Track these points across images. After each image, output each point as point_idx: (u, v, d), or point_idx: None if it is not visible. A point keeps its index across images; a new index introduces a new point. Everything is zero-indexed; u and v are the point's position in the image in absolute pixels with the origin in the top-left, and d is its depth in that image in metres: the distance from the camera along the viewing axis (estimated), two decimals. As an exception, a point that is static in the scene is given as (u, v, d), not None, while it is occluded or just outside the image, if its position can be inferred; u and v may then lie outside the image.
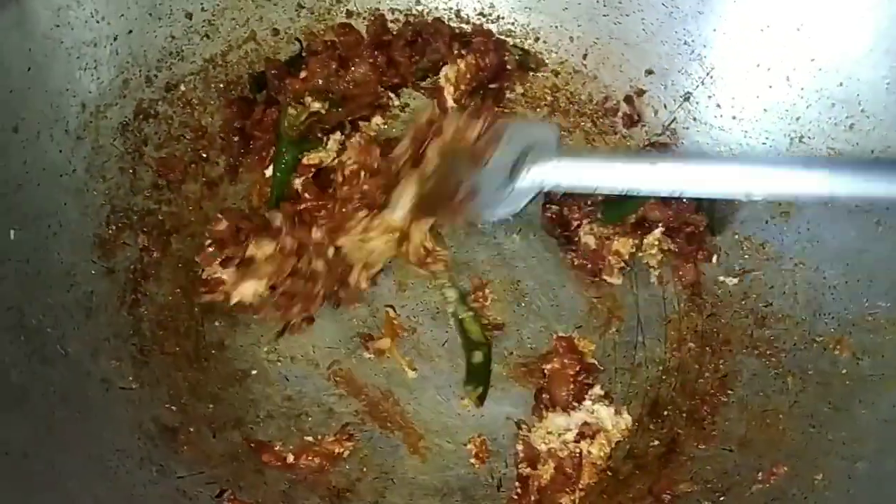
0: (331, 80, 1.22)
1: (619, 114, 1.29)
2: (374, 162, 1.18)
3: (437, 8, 1.32)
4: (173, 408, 1.10)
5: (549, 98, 1.33)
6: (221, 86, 1.25)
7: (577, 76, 1.31)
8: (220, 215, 1.18)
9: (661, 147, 1.27)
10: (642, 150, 1.28)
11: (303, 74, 1.23)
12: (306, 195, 1.19)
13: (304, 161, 1.22)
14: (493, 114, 1.19)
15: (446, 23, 1.31)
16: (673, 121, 1.26)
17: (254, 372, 1.16)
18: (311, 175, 1.21)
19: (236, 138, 1.24)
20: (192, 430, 1.09)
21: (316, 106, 1.20)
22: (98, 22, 1.11)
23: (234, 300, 1.15)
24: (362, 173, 1.18)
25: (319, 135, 1.23)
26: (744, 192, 1.06)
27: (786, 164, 1.08)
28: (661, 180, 1.08)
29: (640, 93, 1.28)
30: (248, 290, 1.14)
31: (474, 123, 1.16)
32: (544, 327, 1.20)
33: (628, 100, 1.29)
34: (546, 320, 1.21)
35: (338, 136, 1.25)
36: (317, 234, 1.16)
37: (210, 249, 1.16)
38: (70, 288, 1.07)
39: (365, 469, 1.11)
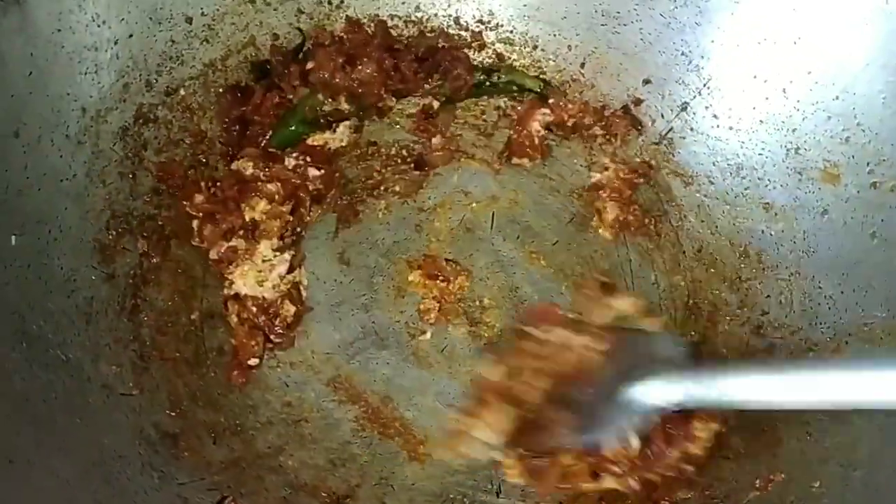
0: (336, 75, 1.23)
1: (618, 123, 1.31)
2: None
3: (436, 15, 1.33)
4: (173, 414, 1.10)
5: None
6: (221, 90, 1.25)
7: (574, 85, 1.32)
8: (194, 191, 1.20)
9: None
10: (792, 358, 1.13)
11: (310, 65, 1.24)
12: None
13: (309, 141, 1.25)
14: (603, 328, 1.06)
15: (462, 51, 1.33)
16: (670, 130, 1.28)
17: (253, 378, 1.16)
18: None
19: (236, 128, 1.25)
20: (192, 436, 1.09)
21: (345, 107, 1.25)
22: (99, 26, 1.11)
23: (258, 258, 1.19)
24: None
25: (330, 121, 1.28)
26: None
27: None
28: (819, 393, 0.87)
29: (638, 102, 1.29)
30: (265, 249, 1.18)
31: (580, 341, 1.03)
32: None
33: (626, 109, 1.30)
34: (543, 326, 1.22)
35: (348, 123, 1.28)
36: (290, 162, 1.21)
37: (208, 228, 1.17)
38: (70, 293, 1.07)
39: (365, 475, 1.12)
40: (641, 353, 1.00)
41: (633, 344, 1.03)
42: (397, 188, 1.30)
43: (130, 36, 1.15)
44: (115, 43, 1.13)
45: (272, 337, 1.18)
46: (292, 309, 1.19)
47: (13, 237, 1.00)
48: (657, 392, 0.95)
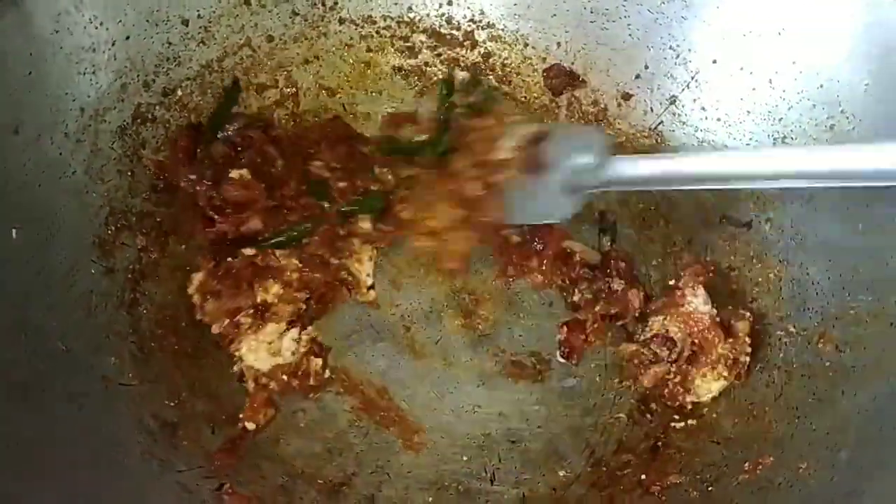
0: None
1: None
2: None
3: (428, 15, 1.35)
4: (172, 404, 1.11)
5: (543, 102, 1.35)
6: (219, 91, 1.27)
7: (564, 81, 1.34)
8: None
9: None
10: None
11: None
12: None
13: None
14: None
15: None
16: (660, 123, 1.30)
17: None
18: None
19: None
20: (190, 425, 1.10)
21: None
22: (97, 27, 1.13)
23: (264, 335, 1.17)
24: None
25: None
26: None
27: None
28: (718, 174, 1.08)
29: (628, 96, 1.31)
30: (272, 330, 1.17)
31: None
32: (536, 325, 1.23)
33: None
34: (538, 318, 1.24)
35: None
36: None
37: (210, 304, 1.15)
38: (70, 287, 1.08)
39: (361, 463, 1.13)
40: (568, 140, 1.14)
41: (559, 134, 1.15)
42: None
43: (127, 37, 1.17)
44: (113, 44, 1.16)
45: (310, 394, 1.18)
46: (318, 361, 1.19)
47: (14, 231, 1.02)
48: (584, 169, 1.12)
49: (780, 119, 1.20)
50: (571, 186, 1.13)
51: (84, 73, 1.13)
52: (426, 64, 1.36)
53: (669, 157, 1.15)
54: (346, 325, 1.22)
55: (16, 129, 1.04)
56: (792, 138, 1.18)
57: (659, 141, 1.30)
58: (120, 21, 1.16)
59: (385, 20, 1.35)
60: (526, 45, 1.35)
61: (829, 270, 1.13)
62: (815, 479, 0.99)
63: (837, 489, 0.97)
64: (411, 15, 1.35)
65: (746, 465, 1.06)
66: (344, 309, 1.23)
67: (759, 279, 1.20)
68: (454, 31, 1.36)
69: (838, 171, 1.00)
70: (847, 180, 1.02)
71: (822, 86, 1.15)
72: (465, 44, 1.36)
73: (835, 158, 1.00)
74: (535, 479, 1.13)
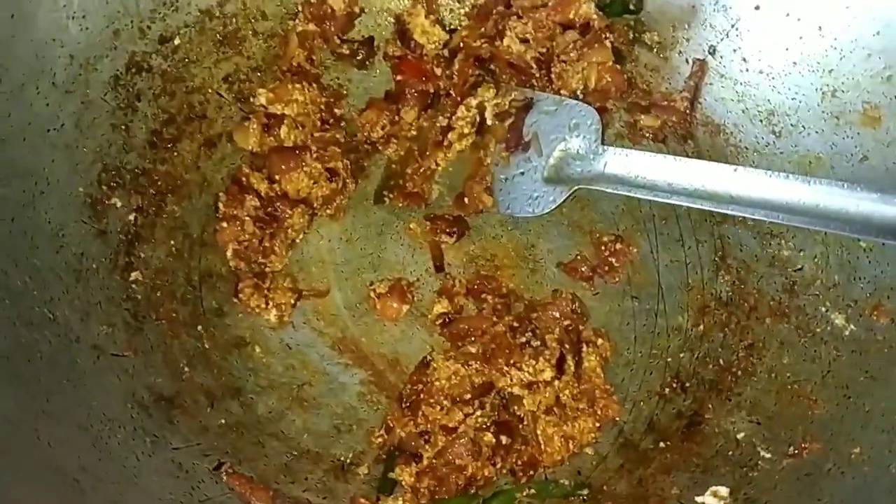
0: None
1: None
2: None
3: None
4: (169, 376, 1.06)
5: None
6: (219, 39, 1.20)
7: (596, 29, 1.26)
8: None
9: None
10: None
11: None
12: None
13: None
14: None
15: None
16: (696, 76, 1.21)
17: (254, 339, 1.12)
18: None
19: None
20: (188, 399, 1.06)
21: None
22: (86, -34, 1.06)
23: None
24: None
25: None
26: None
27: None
28: (726, 190, 1.01)
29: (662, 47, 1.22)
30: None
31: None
32: (557, 292, 1.16)
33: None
34: (560, 285, 1.16)
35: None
36: None
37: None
38: (59, 249, 1.03)
39: (371, 441, 1.08)
40: (560, 121, 1.05)
41: (550, 109, 1.07)
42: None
43: (121, -22, 1.10)
44: (105, -15, 1.09)
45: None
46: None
47: (-5, 189, 0.97)
48: (575, 169, 1.04)
49: (831, 71, 1.11)
50: (556, 174, 1.04)
51: (73, 18, 1.06)
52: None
53: (675, 161, 1.04)
54: (356, 292, 1.16)
55: (-2, 78, 0.97)
56: (843, 91, 1.10)
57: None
58: (112, -40, 1.08)
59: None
60: (551, -6, 1.26)
61: (883, 236, 1.05)
62: (871, 466, 0.94)
63: (896, 478, 0.92)
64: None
65: (791, 448, 1.00)
66: (354, 276, 1.16)
67: (805, 246, 1.11)
68: None
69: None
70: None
71: (878, 32, 1.07)
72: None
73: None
74: (559, 460, 1.07)
